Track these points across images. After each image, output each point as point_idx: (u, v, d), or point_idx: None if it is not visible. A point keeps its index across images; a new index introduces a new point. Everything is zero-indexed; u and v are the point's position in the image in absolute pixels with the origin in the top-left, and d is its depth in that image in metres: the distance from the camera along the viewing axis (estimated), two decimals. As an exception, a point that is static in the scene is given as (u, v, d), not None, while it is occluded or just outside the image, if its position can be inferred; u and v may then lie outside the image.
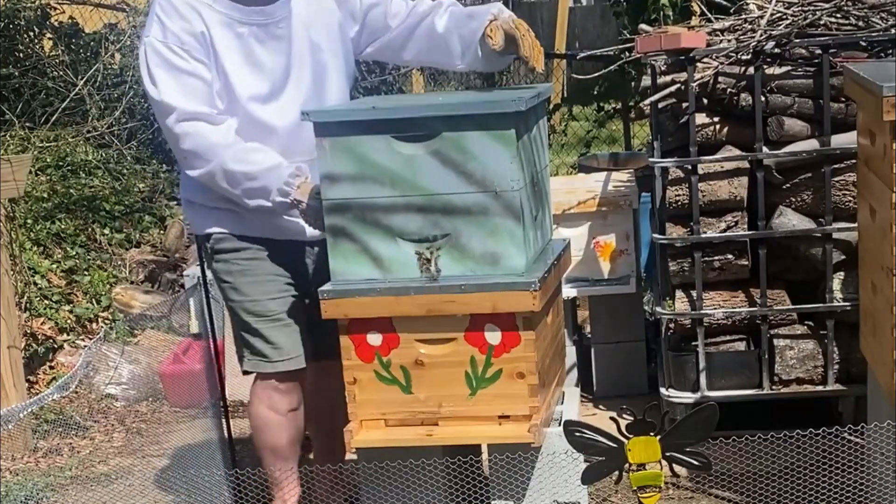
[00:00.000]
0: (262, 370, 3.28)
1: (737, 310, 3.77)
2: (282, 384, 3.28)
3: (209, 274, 3.47)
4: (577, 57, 4.95)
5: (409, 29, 3.24)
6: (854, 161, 3.43)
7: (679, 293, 3.85)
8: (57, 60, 7.76)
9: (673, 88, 3.76)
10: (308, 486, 3.43)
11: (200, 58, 3.05)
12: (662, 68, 3.80)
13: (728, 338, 3.84)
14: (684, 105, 3.76)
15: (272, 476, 3.33)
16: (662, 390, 3.89)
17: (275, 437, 3.30)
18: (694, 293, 3.76)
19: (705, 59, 3.74)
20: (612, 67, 4.41)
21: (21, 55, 7.82)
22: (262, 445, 3.35)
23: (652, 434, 2.55)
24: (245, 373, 3.36)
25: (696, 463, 2.59)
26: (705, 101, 3.79)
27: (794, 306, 3.77)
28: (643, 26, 4.13)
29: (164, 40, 3.03)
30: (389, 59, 3.60)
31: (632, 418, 2.57)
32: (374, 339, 2.93)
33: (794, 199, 3.76)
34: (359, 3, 3.24)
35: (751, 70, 3.68)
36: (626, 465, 2.58)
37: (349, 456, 3.36)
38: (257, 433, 3.35)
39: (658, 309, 3.92)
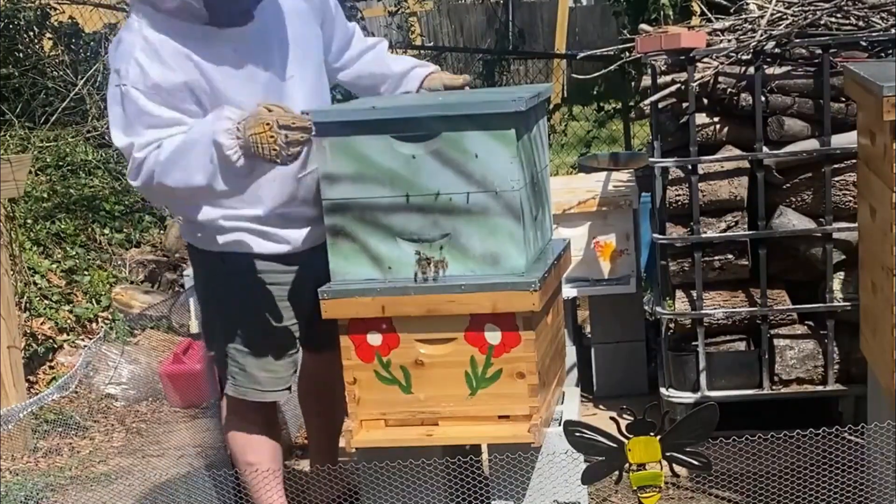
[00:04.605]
0: (253, 398, 3.17)
1: (737, 310, 3.77)
2: (265, 406, 3.22)
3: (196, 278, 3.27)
4: (577, 57, 4.93)
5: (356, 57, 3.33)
6: (854, 161, 3.43)
7: (679, 293, 3.85)
8: (57, 60, 7.75)
9: (673, 88, 3.76)
10: (302, 485, 3.36)
11: (182, 106, 2.82)
12: (662, 68, 3.80)
13: (728, 338, 3.84)
14: (684, 105, 3.76)
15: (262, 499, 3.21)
16: (662, 390, 3.89)
17: (261, 453, 3.21)
18: (694, 293, 3.76)
19: (705, 59, 3.73)
20: (612, 67, 4.40)
21: (21, 55, 7.81)
22: (251, 465, 3.20)
23: (652, 434, 2.55)
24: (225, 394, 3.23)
25: (696, 463, 2.59)
26: (705, 101, 3.79)
27: (794, 306, 3.77)
28: (643, 26, 4.12)
29: (143, 89, 2.78)
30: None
31: (632, 418, 2.57)
32: (374, 339, 2.93)
33: (794, 199, 3.76)
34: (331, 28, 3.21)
35: (751, 70, 3.68)
36: (626, 465, 2.58)
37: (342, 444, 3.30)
38: (243, 454, 3.21)
39: (658, 309, 3.92)
